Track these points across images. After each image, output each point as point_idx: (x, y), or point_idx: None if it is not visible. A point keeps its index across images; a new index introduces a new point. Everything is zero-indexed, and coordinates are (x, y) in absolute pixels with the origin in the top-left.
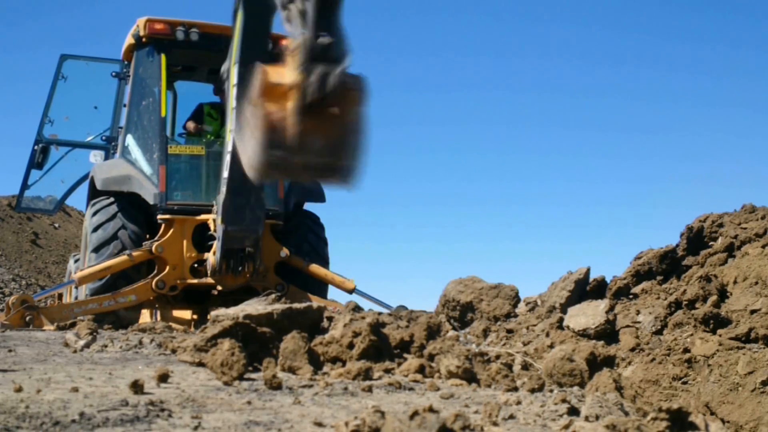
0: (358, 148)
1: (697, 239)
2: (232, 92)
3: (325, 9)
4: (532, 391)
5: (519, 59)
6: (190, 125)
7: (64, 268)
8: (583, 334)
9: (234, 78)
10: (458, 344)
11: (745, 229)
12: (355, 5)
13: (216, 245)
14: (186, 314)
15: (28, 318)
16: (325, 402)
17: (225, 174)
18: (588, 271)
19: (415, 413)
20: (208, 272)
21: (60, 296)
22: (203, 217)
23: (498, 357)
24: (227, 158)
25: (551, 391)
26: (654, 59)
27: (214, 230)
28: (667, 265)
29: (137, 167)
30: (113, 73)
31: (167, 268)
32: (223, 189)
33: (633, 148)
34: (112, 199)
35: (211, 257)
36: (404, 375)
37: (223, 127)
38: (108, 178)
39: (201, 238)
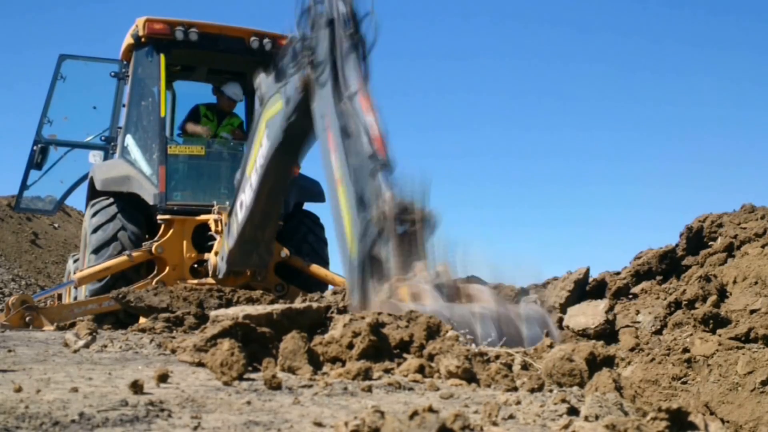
0: None
1: (696, 239)
2: (260, 138)
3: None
4: (532, 391)
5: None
6: (198, 129)
7: (63, 268)
8: (583, 334)
9: (263, 137)
10: (458, 344)
11: (744, 229)
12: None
13: (218, 246)
14: None
15: (27, 318)
16: (325, 402)
17: (238, 220)
18: (587, 271)
19: (415, 413)
20: (209, 273)
21: (59, 297)
22: (203, 217)
23: (498, 357)
24: (242, 211)
25: (551, 391)
26: (655, 62)
27: (215, 230)
28: (667, 265)
29: (137, 167)
30: (112, 73)
31: (167, 268)
32: (234, 235)
33: (633, 148)
34: (111, 200)
35: (212, 258)
36: (404, 375)
37: (219, 127)
38: (107, 179)
39: (201, 238)
